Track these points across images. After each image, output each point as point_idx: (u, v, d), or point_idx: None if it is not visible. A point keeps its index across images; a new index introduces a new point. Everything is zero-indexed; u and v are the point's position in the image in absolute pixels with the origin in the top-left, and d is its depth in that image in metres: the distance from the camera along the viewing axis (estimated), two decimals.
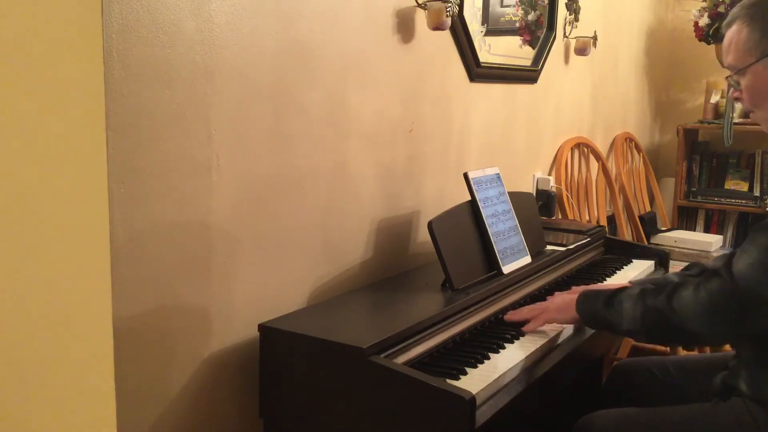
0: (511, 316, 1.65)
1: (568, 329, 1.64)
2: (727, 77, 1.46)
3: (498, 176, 1.90)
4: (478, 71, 2.24)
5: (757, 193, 3.66)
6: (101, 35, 1.14)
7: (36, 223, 1.18)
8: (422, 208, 2.06)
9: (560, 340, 1.61)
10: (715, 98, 3.79)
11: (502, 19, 2.43)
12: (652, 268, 2.25)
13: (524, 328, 1.59)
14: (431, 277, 1.74)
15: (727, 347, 2.39)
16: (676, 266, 3.09)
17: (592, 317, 1.52)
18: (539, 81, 2.66)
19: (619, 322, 1.46)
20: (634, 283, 1.71)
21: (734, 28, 1.41)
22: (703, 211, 3.87)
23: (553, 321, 1.58)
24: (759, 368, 1.39)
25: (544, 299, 1.84)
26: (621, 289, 1.50)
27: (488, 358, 1.44)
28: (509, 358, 1.46)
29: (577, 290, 1.65)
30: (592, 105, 3.23)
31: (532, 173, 2.75)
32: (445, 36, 2.09)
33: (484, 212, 1.78)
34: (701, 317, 1.34)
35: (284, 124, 1.57)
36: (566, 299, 1.59)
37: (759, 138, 3.70)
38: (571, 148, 2.96)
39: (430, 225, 1.63)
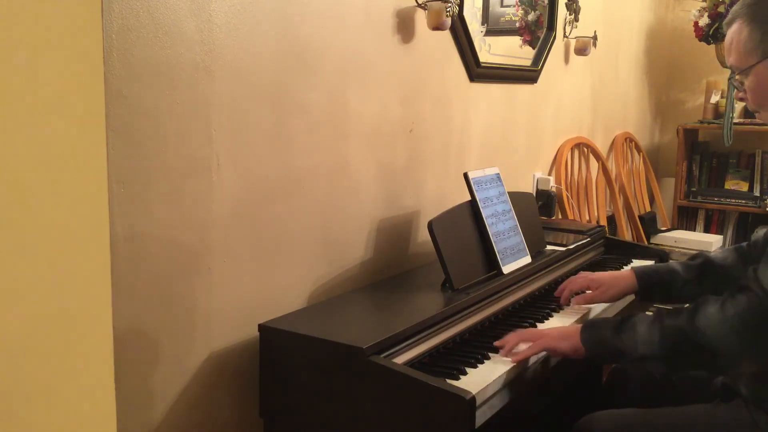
0: (502, 344, 1.47)
1: None
2: (729, 78, 1.43)
3: (498, 176, 1.90)
4: (478, 71, 2.24)
5: (757, 193, 3.66)
6: (101, 35, 1.14)
7: (36, 224, 1.18)
8: (422, 208, 2.06)
9: None
10: (715, 98, 3.79)
11: (502, 19, 2.43)
12: None
13: (521, 353, 1.43)
14: (431, 277, 1.74)
15: None
16: None
17: (599, 346, 1.41)
18: (539, 81, 2.66)
19: (632, 347, 1.35)
20: (635, 270, 1.72)
21: (735, 27, 1.37)
22: (703, 211, 3.87)
23: (552, 349, 1.44)
24: (761, 373, 1.39)
25: (545, 299, 1.84)
26: (631, 315, 1.42)
27: (488, 358, 1.44)
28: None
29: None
30: (592, 105, 3.23)
31: (532, 173, 2.75)
32: (445, 36, 2.09)
33: (484, 212, 1.78)
34: (730, 336, 1.27)
35: (284, 124, 1.57)
36: (568, 328, 1.47)
37: (759, 138, 3.70)
38: (571, 148, 2.96)
39: (430, 225, 1.63)
